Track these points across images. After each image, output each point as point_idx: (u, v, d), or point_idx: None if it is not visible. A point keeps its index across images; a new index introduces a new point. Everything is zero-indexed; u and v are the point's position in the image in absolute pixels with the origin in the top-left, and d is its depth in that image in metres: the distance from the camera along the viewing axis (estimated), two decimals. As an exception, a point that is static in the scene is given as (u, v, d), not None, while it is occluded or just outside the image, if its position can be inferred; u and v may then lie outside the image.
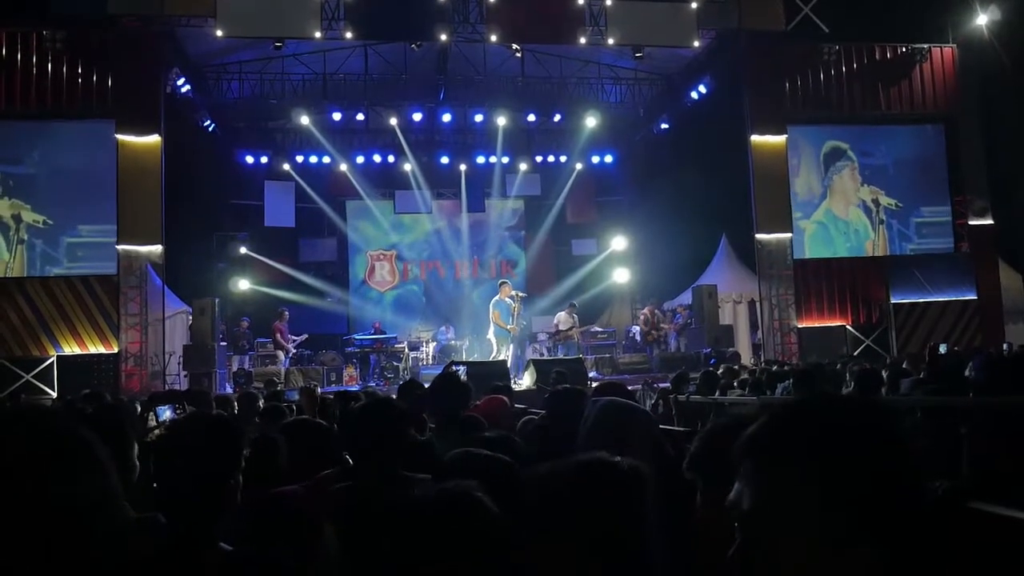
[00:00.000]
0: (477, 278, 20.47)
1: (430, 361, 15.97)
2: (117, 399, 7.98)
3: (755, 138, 15.24)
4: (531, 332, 17.38)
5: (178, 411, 5.52)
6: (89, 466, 1.14)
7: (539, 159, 20.06)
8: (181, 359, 13.87)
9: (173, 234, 13.98)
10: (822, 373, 7.32)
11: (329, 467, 2.89)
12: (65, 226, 13.66)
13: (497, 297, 13.95)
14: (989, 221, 16.03)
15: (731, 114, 15.79)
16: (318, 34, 13.87)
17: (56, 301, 13.39)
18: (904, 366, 8.07)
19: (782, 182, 15.50)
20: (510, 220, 21.02)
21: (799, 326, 15.34)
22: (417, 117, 18.23)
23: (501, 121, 18.02)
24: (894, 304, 15.70)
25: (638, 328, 17.01)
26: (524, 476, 1.53)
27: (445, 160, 19.61)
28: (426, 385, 4.85)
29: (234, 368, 14.54)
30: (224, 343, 14.36)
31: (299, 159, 18.98)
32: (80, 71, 13.61)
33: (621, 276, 19.61)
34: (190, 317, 14.44)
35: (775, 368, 9.61)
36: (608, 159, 20.45)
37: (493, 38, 14.37)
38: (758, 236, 15.28)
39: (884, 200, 16.33)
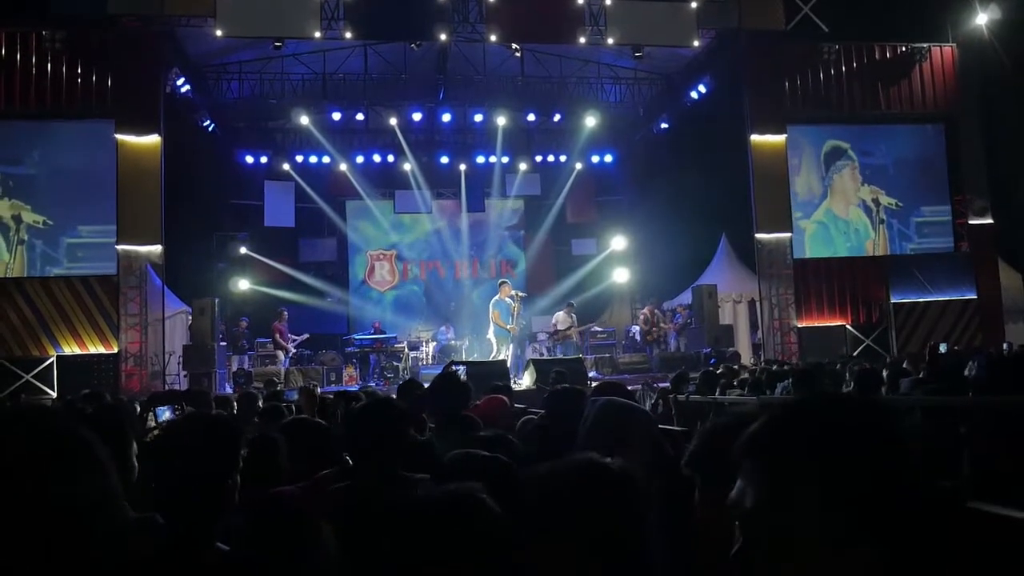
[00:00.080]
0: (477, 278, 20.46)
1: (430, 361, 15.95)
2: (117, 399, 7.97)
3: (755, 138, 15.23)
4: (531, 332, 17.38)
5: (177, 411, 5.52)
6: (89, 466, 1.14)
7: (539, 159, 20.04)
8: (181, 359, 13.88)
9: (173, 234, 13.98)
10: (822, 373, 7.32)
11: (328, 467, 2.89)
12: (65, 226, 13.66)
13: (497, 297, 13.94)
14: (989, 221, 16.04)
15: (731, 114, 15.79)
16: (318, 34, 13.87)
17: (56, 301, 13.39)
18: (904, 366, 8.06)
19: (782, 182, 15.49)
20: (510, 220, 21.00)
21: (799, 326, 15.34)
22: (417, 117, 18.22)
23: (501, 121, 18.01)
24: (894, 304, 15.70)
25: (638, 328, 17.01)
26: (523, 476, 1.53)
27: (445, 160, 19.60)
28: (426, 385, 4.84)
29: (234, 368, 14.55)
30: (224, 343, 14.36)
31: (299, 159, 18.96)
32: (80, 71, 13.61)
33: (621, 276, 19.58)
34: (190, 317, 14.45)
35: (775, 368, 9.60)
36: (608, 159, 20.43)
37: (493, 38, 14.37)
38: (758, 236, 15.27)
39: (884, 200, 16.33)
